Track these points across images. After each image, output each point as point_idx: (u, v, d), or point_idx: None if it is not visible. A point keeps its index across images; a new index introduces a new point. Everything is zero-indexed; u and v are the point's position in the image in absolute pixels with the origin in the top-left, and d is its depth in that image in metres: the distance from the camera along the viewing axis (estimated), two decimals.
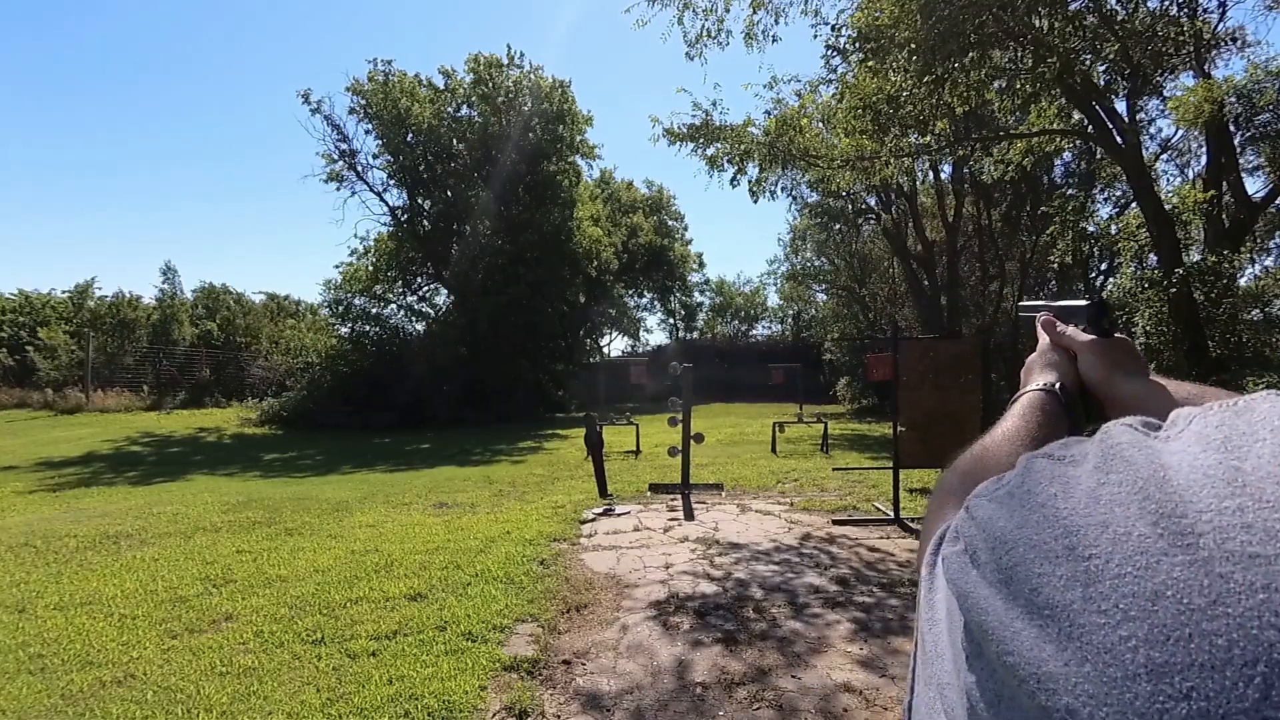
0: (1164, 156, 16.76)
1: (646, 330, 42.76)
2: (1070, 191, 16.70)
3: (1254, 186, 11.74)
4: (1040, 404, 0.56)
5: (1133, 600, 0.25)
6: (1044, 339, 0.66)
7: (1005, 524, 0.32)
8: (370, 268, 20.12)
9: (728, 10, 8.39)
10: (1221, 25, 10.26)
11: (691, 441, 7.40)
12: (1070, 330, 0.63)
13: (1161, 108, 14.46)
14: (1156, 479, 0.28)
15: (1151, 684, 0.23)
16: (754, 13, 8.34)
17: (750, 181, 9.68)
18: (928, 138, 9.15)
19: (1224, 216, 10.86)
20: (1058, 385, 0.58)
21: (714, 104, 9.28)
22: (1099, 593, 0.26)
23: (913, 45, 7.14)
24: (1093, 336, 0.61)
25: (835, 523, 5.82)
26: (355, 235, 36.12)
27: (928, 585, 0.38)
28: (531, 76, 19.92)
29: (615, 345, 36.07)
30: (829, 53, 8.72)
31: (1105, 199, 17.71)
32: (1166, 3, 8.06)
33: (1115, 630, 0.24)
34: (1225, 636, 0.22)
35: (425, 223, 20.21)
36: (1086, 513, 0.29)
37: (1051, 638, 0.26)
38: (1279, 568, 0.23)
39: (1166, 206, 9.34)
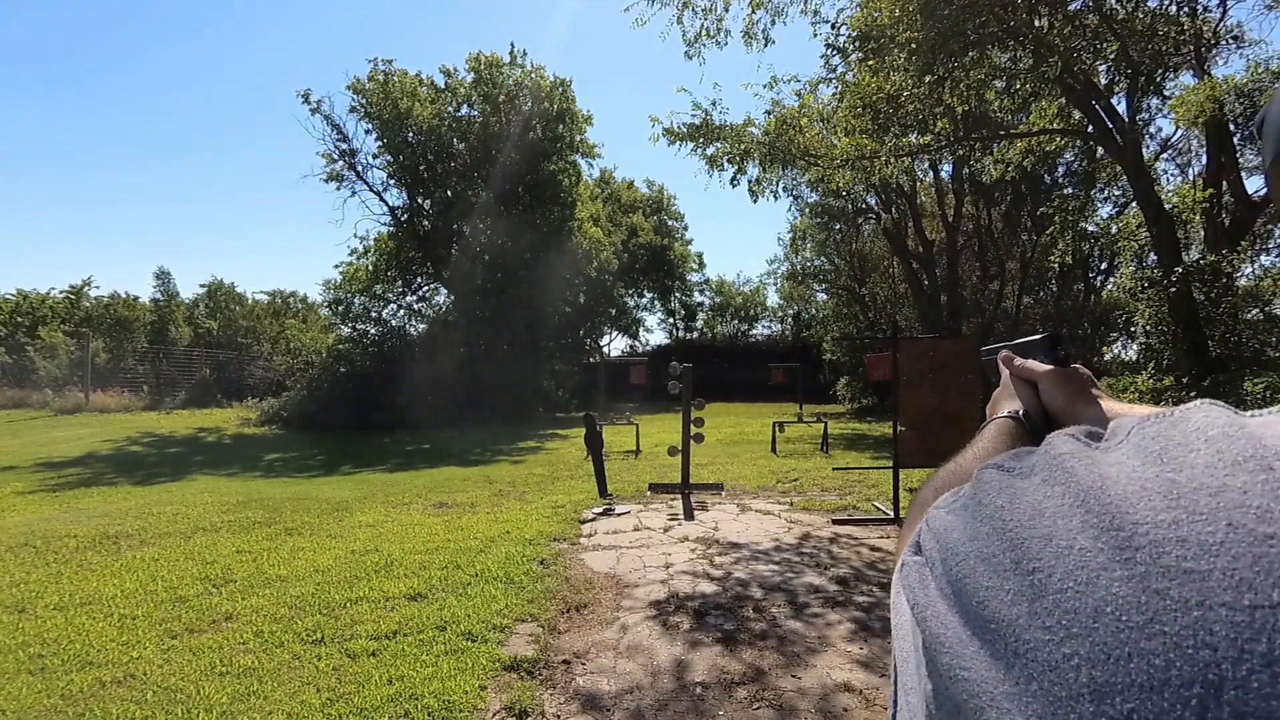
0: (1164, 156, 16.76)
1: (646, 330, 42.76)
2: (1070, 191, 16.69)
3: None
4: (1008, 429, 0.58)
5: (1074, 617, 0.25)
6: (1005, 373, 0.69)
7: (958, 535, 0.32)
8: (370, 267, 20.10)
9: (726, 10, 8.40)
10: (1222, 24, 10.26)
11: (691, 441, 7.41)
12: (1030, 363, 0.67)
13: (1161, 107, 14.47)
14: (1096, 491, 0.28)
15: (1094, 705, 0.23)
16: (753, 12, 8.35)
17: (750, 181, 9.68)
18: (928, 137, 9.15)
19: (1224, 216, 10.85)
20: (1022, 412, 0.61)
21: (714, 104, 9.27)
22: (1043, 608, 0.26)
23: (913, 45, 7.14)
24: (1051, 366, 0.64)
25: (835, 522, 5.83)
26: (355, 235, 36.17)
27: (897, 591, 0.39)
28: (532, 76, 19.90)
29: (615, 345, 36.09)
30: (829, 52, 8.74)
31: (1105, 199, 17.71)
32: (1166, 2, 8.05)
33: (1059, 648, 0.25)
34: (1163, 656, 0.22)
35: (425, 222, 20.18)
36: (1031, 525, 0.29)
37: (1000, 654, 0.26)
38: (1211, 584, 0.23)
39: (1166, 206, 9.34)
